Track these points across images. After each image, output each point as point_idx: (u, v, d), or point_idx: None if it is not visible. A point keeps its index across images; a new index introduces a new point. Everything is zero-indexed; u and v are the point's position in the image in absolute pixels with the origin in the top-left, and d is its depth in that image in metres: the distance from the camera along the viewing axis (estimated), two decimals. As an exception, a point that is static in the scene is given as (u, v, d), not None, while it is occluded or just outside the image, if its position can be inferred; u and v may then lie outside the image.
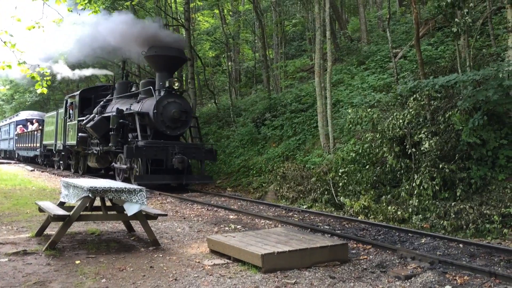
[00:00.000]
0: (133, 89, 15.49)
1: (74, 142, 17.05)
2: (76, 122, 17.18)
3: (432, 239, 6.38)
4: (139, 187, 5.60)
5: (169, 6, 23.28)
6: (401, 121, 9.08)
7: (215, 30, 26.66)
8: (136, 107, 13.73)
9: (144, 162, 12.29)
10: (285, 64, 22.56)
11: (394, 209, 8.27)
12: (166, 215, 6.33)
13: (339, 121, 13.15)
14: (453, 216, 7.38)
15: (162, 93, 13.35)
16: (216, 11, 25.25)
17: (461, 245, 6.03)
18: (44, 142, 22.72)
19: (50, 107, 36.11)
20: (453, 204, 7.59)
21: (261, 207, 9.88)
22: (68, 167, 19.81)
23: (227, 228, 7.07)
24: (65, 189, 6.09)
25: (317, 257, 4.87)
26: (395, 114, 9.54)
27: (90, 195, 5.33)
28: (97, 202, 6.17)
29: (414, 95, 9.61)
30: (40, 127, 24.80)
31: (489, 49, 10.94)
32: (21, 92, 39.47)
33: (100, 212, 6.01)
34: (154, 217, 5.93)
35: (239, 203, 10.45)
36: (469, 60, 9.18)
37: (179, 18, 22.93)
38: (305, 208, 9.80)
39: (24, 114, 31.52)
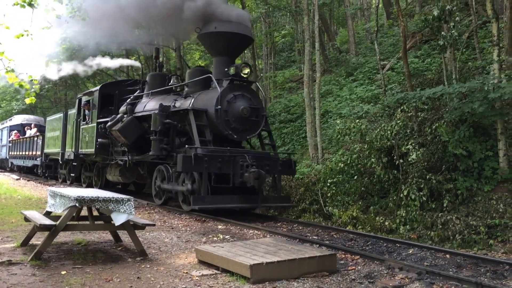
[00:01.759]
0: (173, 81, 12.31)
1: (91, 150, 13.80)
2: (94, 124, 13.79)
3: (419, 250, 6.42)
4: (127, 196, 5.55)
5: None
6: (388, 132, 9.18)
7: (205, 40, 26.68)
8: (185, 103, 10.47)
9: (205, 177, 9.01)
10: (274, 75, 22.67)
11: (382, 219, 8.33)
12: (154, 225, 6.29)
13: (328, 132, 13.24)
14: (440, 226, 7.45)
15: (224, 84, 10.00)
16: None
17: (448, 256, 6.08)
18: (46, 151, 19.41)
19: (38, 115, 35.72)
20: (440, 215, 7.66)
21: (250, 217, 9.85)
22: (77, 179, 16.64)
23: (215, 238, 7.04)
24: (52, 198, 6.02)
25: (305, 267, 4.87)
26: (383, 125, 9.64)
27: (77, 204, 5.27)
28: (84, 212, 6.11)
29: (402, 107, 9.74)
30: (38, 133, 21.97)
31: (475, 62, 11.14)
32: (7, 100, 39.05)
33: (87, 222, 5.95)
34: (142, 227, 5.88)
35: (227, 213, 10.42)
36: (455, 72, 9.33)
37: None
38: (294, 218, 9.80)
39: (18, 119, 28.39)
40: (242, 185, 9.25)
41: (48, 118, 20.45)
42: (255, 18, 24.74)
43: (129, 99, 13.16)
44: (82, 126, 14.97)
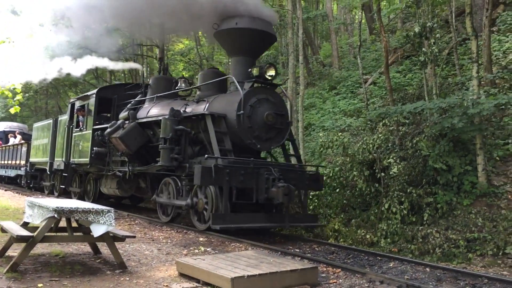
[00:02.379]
0: (182, 85, 11.32)
1: (86, 160, 12.53)
2: (90, 131, 12.50)
3: (400, 263, 6.46)
4: (107, 207, 5.46)
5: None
6: (370, 145, 9.28)
7: (189, 51, 26.79)
8: (198, 108, 9.43)
9: (226, 192, 7.96)
10: (258, 87, 22.75)
11: (363, 232, 8.37)
12: (134, 237, 6.20)
13: (311, 144, 13.31)
14: (420, 240, 7.52)
15: (246, 87, 8.87)
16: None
17: (428, 269, 6.12)
18: (31, 160, 18.00)
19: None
20: (420, 228, 7.74)
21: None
22: (64, 191, 14.92)
23: (196, 251, 6.97)
24: (30, 209, 5.89)
25: (287, 281, 4.84)
26: (365, 138, 9.75)
27: (55, 215, 5.17)
28: (63, 223, 6.00)
29: (383, 121, 9.87)
30: (23, 141, 20.60)
31: (455, 78, 11.38)
32: (-14, 109, 38.37)
33: (66, 233, 5.83)
34: (122, 238, 5.79)
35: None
36: (435, 88, 9.52)
37: (153, 38, 22.93)
38: (276, 230, 9.78)
39: (1, 126, 26.78)
40: (267, 202, 8.19)
41: (35, 125, 18.99)
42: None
43: (130, 104, 12.03)
44: (75, 134, 13.61)
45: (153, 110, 10.83)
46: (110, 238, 5.50)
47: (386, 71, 10.63)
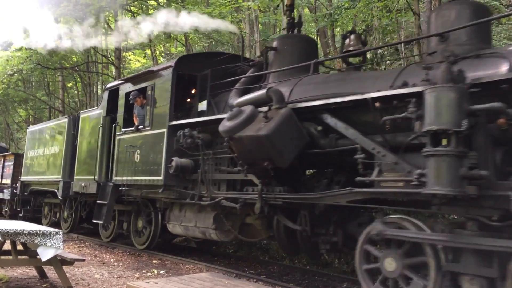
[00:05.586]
0: (355, 44, 6.16)
1: (154, 178, 7.67)
2: (164, 131, 7.66)
3: (352, 284, 6.56)
4: (55, 229, 5.26)
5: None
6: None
7: (146, 70, 26.56)
8: (480, 70, 4.37)
9: None
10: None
11: (318, 253, 8.38)
12: (83, 260, 6.00)
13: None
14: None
15: None
16: (148, 51, 25.25)
17: (379, 289, 6.24)
18: (24, 178, 13.32)
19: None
20: (372, 248, 7.83)
21: (186, 251, 9.65)
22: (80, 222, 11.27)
23: (149, 274, 6.81)
24: (-29, 231, 5.58)
25: (241, 303, 4.81)
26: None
27: (-1, 238, 4.94)
28: (7, 246, 5.72)
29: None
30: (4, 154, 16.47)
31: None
32: None
33: (10, 257, 5.56)
34: (71, 262, 5.59)
35: (163, 247, 10.13)
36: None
37: (109, 55, 22.64)
38: (231, 252, 9.71)
39: None
40: None
41: (31, 129, 14.07)
42: (198, 51, 25.08)
43: (239, 83, 7.29)
44: (122, 136, 8.80)
45: (297, 90, 6.17)
46: (58, 262, 5.30)
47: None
